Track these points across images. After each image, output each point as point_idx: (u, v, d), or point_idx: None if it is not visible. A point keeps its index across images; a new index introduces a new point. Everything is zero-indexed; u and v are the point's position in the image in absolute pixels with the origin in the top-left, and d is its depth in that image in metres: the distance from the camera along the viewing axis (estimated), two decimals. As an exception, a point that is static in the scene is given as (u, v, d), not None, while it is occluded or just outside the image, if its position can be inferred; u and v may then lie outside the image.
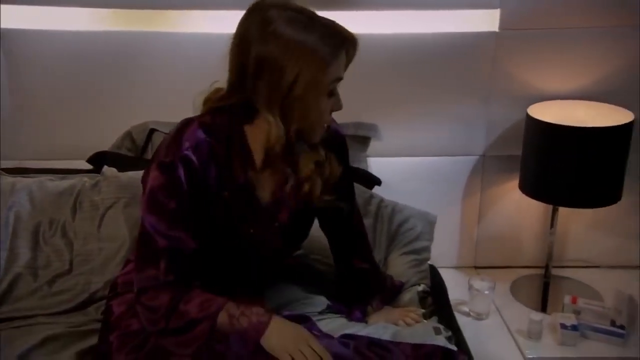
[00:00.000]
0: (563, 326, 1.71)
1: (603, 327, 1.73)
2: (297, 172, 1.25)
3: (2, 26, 1.78)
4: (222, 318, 1.17)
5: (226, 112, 1.22)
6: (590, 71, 1.88)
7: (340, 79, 1.19)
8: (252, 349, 1.15)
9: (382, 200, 1.74)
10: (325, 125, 1.24)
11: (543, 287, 1.98)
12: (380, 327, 1.38)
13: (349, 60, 1.19)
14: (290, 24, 1.12)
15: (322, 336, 1.23)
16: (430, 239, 1.72)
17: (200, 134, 1.20)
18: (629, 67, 1.87)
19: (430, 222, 1.73)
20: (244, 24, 1.16)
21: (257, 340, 1.15)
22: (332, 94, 1.20)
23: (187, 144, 1.18)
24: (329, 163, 1.29)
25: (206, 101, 1.25)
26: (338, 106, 1.22)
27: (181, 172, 1.17)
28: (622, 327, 1.71)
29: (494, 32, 1.84)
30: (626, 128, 1.72)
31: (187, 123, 1.22)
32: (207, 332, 1.16)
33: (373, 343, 1.24)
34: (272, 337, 1.16)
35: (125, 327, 1.26)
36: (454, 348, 1.31)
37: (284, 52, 1.11)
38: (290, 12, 1.13)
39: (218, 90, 1.24)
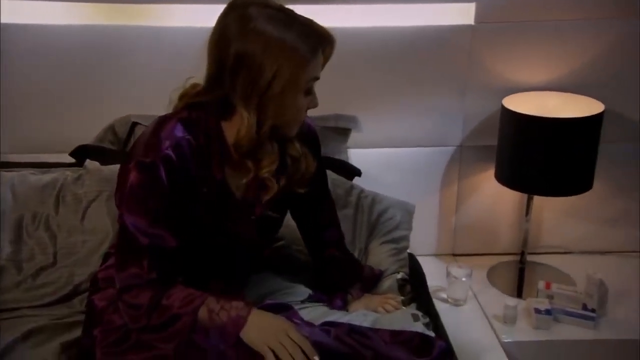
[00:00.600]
0: (537, 311, 1.76)
1: (575, 311, 1.78)
2: (259, 170, 1.23)
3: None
4: (202, 313, 1.17)
5: (203, 108, 1.21)
6: (564, 63, 1.92)
7: (317, 78, 1.20)
8: (233, 343, 1.16)
9: (362, 190, 1.76)
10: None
11: (518, 273, 2.02)
12: (360, 314, 1.41)
13: (325, 59, 1.20)
14: (270, 21, 1.13)
15: (304, 324, 1.25)
16: (409, 228, 1.75)
17: (179, 132, 1.18)
18: (601, 59, 1.91)
19: (409, 212, 1.76)
20: (223, 21, 1.16)
21: (236, 335, 1.16)
22: (309, 92, 1.21)
23: (167, 143, 1.16)
24: (304, 158, 1.31)
25: (182, 97, 1.24)
26: (314, 104, 1.23)
27: (162, 171, 1.16)
28: (593, 310, 1.77)
29: (469, 25, 1.87)
30: (597, 118, 1.76)
31: (164, 120, 1.21)
32: (189, 327, 1.16)
33: (353, 330, 1.26)
34: (251, 331, 1.16)
35: (107, 323, 1.26)
36: (432, 334, 1.35)
37: (264, 50, 1.12)
38: (269, 10, 1.14)
39: (195, 85, 1.23)
